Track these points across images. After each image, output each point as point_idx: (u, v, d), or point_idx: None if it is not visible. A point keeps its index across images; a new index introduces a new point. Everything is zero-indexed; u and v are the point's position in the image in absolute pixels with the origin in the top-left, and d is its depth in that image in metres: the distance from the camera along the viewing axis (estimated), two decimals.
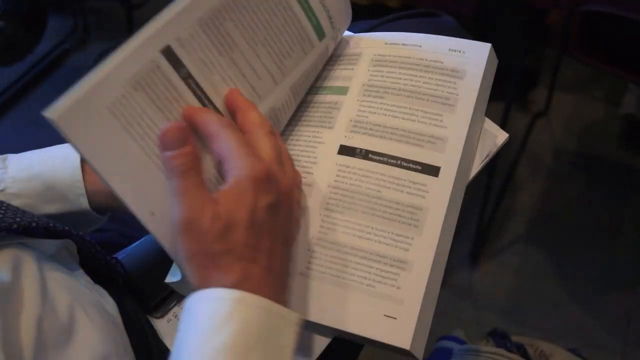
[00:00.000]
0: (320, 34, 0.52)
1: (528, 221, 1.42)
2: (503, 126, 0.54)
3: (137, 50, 0.41)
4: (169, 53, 0.42)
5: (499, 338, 0.92)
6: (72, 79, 0.39)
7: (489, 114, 0.54)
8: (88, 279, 0.51)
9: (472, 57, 0.53)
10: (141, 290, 0.55)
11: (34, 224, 0.44)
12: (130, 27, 1.78)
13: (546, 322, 1.26)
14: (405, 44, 0.55)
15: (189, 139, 0.40)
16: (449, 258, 0.49)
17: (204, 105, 0.44)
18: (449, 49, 0.54)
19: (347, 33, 0.62)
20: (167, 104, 0.42)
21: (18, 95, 1.73)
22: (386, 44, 0.56)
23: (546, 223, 1.42)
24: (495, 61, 0.55)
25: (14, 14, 1.58)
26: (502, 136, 0.54)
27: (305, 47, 0.51)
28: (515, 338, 0.92)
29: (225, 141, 0.40)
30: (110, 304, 0.51)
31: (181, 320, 0.38)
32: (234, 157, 0.40)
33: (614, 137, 1.56)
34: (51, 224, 0.46)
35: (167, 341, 0.54)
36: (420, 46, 0.55)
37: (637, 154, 1.52)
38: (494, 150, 0.53)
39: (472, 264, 1.35)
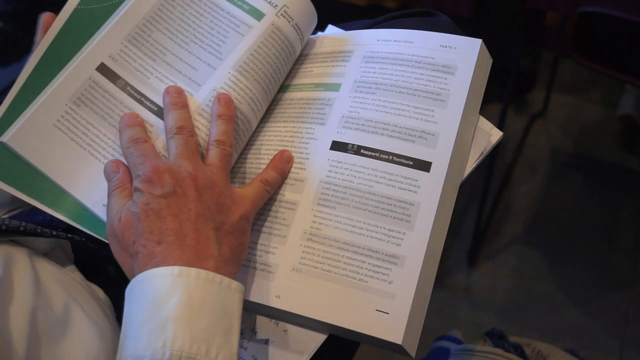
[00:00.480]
0: (258, 15, 0.54)
1: (525, 222, 1.42)
2: (500, 127, 0.54)
3: (73, 72, 0.50)
4: (103, 69, 0.51)
5: (497, 338, 0.91)
6: None
7: (486, 114, 0.54)
8: (82, 276, 0.52)
9: (463, 53, 0.53)
10: None
11: (21, 228, 0.47)
12: None
13: (544, 323, 1.26)
14: (397, 41, 0.55)
15: (119, 168, 0.48)
16: (446, 258, 0.49)
17: (144, 106, 0.51)
18: (440, 45, 0.54)
19: (339, 31, 0.62)
20: (109, 112, 0.51)
21: None
22: (378, 40, 0.56)
23: (543, 224, 1.42)
24: (488, 58, 0.55)
25: (13, 14, 1.59)
26: (496, 134, 0.54)
27: (242, 30, 0.54)
28: (512, 338, 0.92)
29: (127, 159, 0.48)
30: (104, 301, 0.52)
31: (125, 306, 0.41)
32: (132, 171, 0.47)
33: (611, 138, 1.56)
34: (39, 230, 0.48)
35: None
36: (412, 42, 0.55)
37: (634, 154, 1.52)
38: (488, 148, 0.53)
39: (469, 264, 1.34)
